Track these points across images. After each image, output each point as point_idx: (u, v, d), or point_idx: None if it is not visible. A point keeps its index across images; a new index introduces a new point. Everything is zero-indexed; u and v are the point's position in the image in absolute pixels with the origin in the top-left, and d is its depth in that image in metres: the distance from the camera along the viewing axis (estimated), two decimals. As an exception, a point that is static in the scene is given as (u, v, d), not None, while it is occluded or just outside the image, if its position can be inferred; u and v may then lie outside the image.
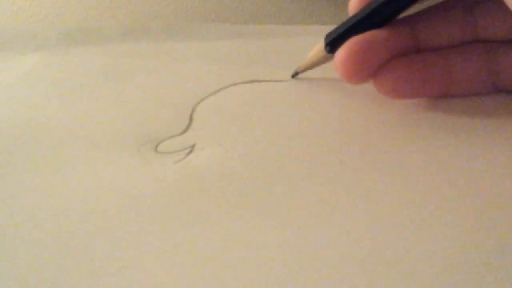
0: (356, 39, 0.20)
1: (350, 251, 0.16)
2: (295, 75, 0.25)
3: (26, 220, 0.18)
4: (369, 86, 0.22)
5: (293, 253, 0.16)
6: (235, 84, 0.25)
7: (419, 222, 0.17)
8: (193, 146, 0.21)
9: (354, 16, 0.22)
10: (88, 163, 0.21)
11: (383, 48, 0.20)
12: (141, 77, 0.27)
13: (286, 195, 0.18)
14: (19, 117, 0.24)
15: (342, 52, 0.20)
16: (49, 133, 0.23)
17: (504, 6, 0.18)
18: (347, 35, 0.21)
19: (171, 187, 0.19)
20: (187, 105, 0.24)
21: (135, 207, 0.18)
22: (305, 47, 0.25)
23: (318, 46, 0.23)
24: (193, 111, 0.24)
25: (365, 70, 0.20)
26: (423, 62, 0.20)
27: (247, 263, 0.16)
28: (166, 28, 0.33)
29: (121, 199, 0.19)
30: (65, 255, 0.16)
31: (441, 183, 0.18)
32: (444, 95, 0.22)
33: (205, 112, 0.24)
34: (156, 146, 0.21)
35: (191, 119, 0.23)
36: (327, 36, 0.23)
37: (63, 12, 0.39)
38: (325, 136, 0.21)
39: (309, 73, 0.25)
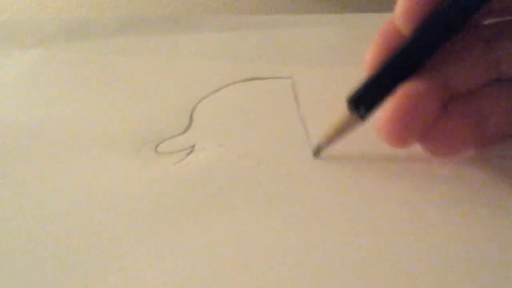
0: (399, 96, 0.17)
1: (350, 250, 0.16)
2: (317, 152, 0.20)
3: (25, 219, 0.18)
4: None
5: (293, 253, 0.16)
6: (236, 83, 0.25)
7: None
8: (193, 146, 0.21)
9: (377, 70, 0.18)
10: (87, 163, 0.21)
11: (429, 103, 0.18)
12: (142, 75, 0.27)
13: (287, 195, 0.18)
14: (20, 113, 0.24)
15: (386, 112, 0.18)
16: (49, 132, 0.23)
17: None
18: (375, 91, 0.18)
19: (171, 188, 0.19)
20: (187, 104, 0.24)
21: (135, 208, 0.18)
22: (308, 39, 0.25)
23: (341, 111, 0.19)
24: (193, 110, 0.23)
25: (414, 130, 0.18)
26: (474, 113, 0.18)
27: (247, 263, 0.16)
28: (166, 20, 0.32)
29: (120, 200, 0.19)
30: (64, 254, 0.16)
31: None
32: (481, 147, 0.19)
33: (205, 112, 0.23)
34: (156, 147, 0.21)
35: (191, 119, 0.23)
36: (350, 97, 0.19)
37: (64, 7, 0.39)
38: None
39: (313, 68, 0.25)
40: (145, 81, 0.26)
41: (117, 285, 0.15)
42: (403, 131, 0.18)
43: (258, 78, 0.25)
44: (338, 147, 0.20)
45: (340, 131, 0.19)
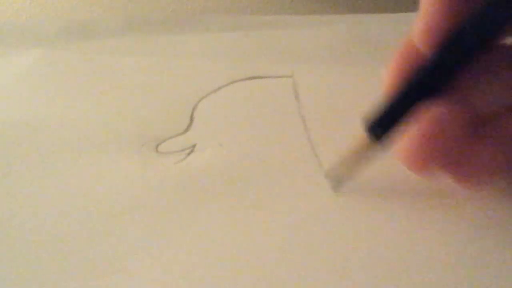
0: (422, 120, 0.16)
1: (350, 250, 0.16)
2: (336, 186, 0.19)
3: (25, 220, 0.18)
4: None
5: (293, 252, 0.16)
6: (236, 82, 0.25)
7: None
8: (193, 146, 0.21)
9: (396, 91, 0.17)
10: (88, 163, 0.21)
11: (453, 127, 0.16)
12: (142, 74, 0.27)
13: (287, 194, 0.18)
14: (19, 113, 0.24)
15: (409, 137, 0.16)
16: (49, 131, 0.23)
17: None
18: (393, 114, 0.17)
19: (172, 188, 0.19)
20: (188, 104, 0.24)
21: (135, 207, 0.18)
22: (308, 39, 0.25)
23: (358, 137, 0.18)
24: (193, 110, 0.23)
25: (439, 156, 0.17)
26: (507, 137, 0.17)
27: (247, 262, 0.16)
28: (167, 20, 0.32)
29: (121, 199, 0.19)
30: (64, 254, 0.16)
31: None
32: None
33: (205, 111, 0.23)
34: (157, 146, 0.21)
35: (191, 118, 0.23)
36: (367, 121, 0.17)
37: (63, 7, 0.39)
38: (327, 134, 0.21)
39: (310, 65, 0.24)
40: (145, 81, 0.26)
41: (117, 285, 0.15)
42: (427, 157, 0.16)
43: (258, 77, 0.25)
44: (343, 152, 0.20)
45: (358, 157, 0.18)
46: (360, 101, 0.22)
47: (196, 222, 0.17)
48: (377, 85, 0.21)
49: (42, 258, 0.16)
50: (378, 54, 0.25)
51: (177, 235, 0.17)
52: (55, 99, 0.25)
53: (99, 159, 0.21)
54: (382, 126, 0.17)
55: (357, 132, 0.18)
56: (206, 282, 0.15)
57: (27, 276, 0.16)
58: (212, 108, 0.24)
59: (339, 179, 0.18)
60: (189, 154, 0.21)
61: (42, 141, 0.22)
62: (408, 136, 0.16)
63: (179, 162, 0.20)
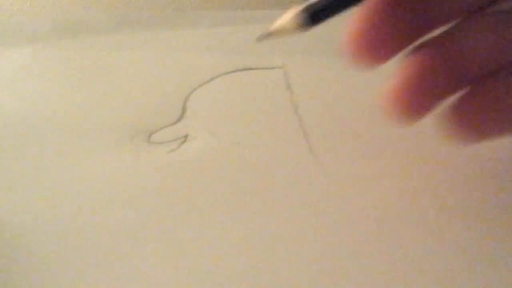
0: (409, 68, 0.16)
1: (344, 239, 0.16)
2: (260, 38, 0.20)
3: (20, 213, 0.18)
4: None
5: (286, 241, 0.16)
6: (228, 73, 0.25)
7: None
8: (186, 136, 0.21)
9: None
10: (81, 155, 0.21)
11: (441, 77, 0.16)
12: (134, 67, 0.27)
13: (280, 183, 0.18)
14: (13, 110, 0.24)
15: (395, 86, 0.16)
16: (42, 125, 0.23)
17: None
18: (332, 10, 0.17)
19: (165, 177, 0.19)
20: (180, 95, 0.24)
21: (129, 198, 0.18)
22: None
23: (289, 13, 0.18)
24: (185, 101, 0.24)
25: (425, 105, 0.16)
26: (496, 88, 0.16)
27: (240, 253, 0.16)
28: (158, 16, 0.32)
29: (114, 190, 0.19)
30: (57, 246, 0.17)
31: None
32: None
33: (197, 102, 0.24)
34: (149, 137, 0.22)
35: (183, 109, 0.23)
36: (308, 9, 0.18)
37: (56, 4, 0.39)
38: (320, 122, 0.21)
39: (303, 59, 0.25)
40: (137, 74, 0.26)
41: (111, 275, 0.15)
42: (413, 104, 0.16)
43: (249, 69, 0.25)
44: (336, 141, 0.20)
45: (284, 31, 0.19)
46: (351, 90, 0.23)
47: (189, 211, 0.18)
48: (367, 76, 0.21)
49: (35, 251, 0.17)
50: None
51: (170, 224, 0.17)
52: (48, 93, 0.25)
53: (92, 150, 0.21)
54: (318, 17, 0.18)
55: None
56: (199, 272, 0.15)
57: (24, 271, 0.16)
58: (204, 99, 0.24)
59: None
60: (181, 144, 0.21)
61: (35, 134, 0.22)
62: (393, 84, 0.16)
63: (172, 152, 0.21)
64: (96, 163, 0.20)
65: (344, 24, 0.17)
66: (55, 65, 0.28)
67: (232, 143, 0.21)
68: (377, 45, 0.16)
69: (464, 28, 0.17)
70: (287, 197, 0.18)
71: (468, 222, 0.17)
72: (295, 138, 0.21)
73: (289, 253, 0.16)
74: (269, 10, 0.33)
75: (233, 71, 0.25)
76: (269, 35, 0.20)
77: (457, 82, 0.17)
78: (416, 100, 0.16)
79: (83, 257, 0.16)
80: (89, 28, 0.32)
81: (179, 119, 0.22)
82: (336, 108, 0.22)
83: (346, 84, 0.23)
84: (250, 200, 0.18)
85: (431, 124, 0.20)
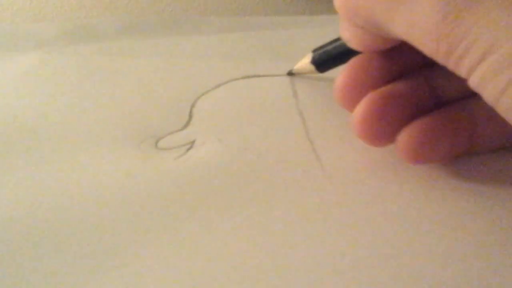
0: (373, 96, 0.18)
1: (349, 245, 0.16)
2: (290, 73, 0.26)
3: (24, 216, 0.18)
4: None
5: (293, 247, 0.16)
6: (234, 80, 0.25)
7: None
8: (193, 142, 0.22)
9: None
10: (88, 160, 0.21)
11: (404, 103, 0.18)
12: (141, 74, 0.27)
13: (286, 189, 0.19)
14: (20, 114, 0.24)
15: (359, 112, 0.18)
16: (50, 131, 0.23)
17: None
18: (337, 58, 0.22)
19: (172, 183, 0.19)
20: (187, 101, 0.24)
21: (135, 203, 0.18)
22: (305, 39, 0.25)
23: (306, 59, 0.24)
24: (192, 107, 0.24)
25: (387, 131, 0.18)
26: (448, 118, 0.18)
27: (246, 258, 0.16)
28: (164, 22, 0.33)
29: (121, 195, 0.19)
30: (64, 250, 0.17)
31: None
32: (467, 152, 0.19)
33: (204, 108, 0.24)
34: (156, 142, 0.22)
35: (190, 115, 0.23)
36: (315, 51, 0.24)
37: (63, 10, 0.39)
38: (326, 128, 0.21)
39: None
40: (145, 80, 0.26)
41: (116, 280, 0.15)
42: (376, 131, 0.18)
43: (256, 76, 0.26)
44: (341, 147, 0.20)
45: (303, 71, 0.25)
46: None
47: (196, 216, 0.18)
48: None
49: (41, 253, 0.17)
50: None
51: (176, 230, 0.17)
52: (55, 99, 0.26)
53: (100, 156, 0.21)
54: (324, 64, 0.24)
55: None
56: (205, 277, 0.15)
57: (26, 271, 0.16)
58: (210, 105, 0.24)
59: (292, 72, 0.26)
60: (188, 149, 0.21)
61: (42, 140, 0.22)
62: (359, 110, 0.18)
63: (179, 158, 0.21)
64: (104, 169, 0.20)
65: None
66: (61, 71, 0.28)
67: (238, 149, 0.21)
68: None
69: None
70: (293, 203, 0.18)
71: (469, 222, 0.17)
72: (301, 144, 0.21)
73: (296, 259, 0.16)
74: (276, 17, 0.34)
75: (239, 78, 0.25)
76: (294, 73, 0.26)
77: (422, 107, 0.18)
78: (380, 127, 0.18)
79: (87, 261, 0.16)
80: (96, 34, 0.32)
81: (186, 125, 0.23)
82: (341, 114, 0.22)
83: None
84: (256, 206, 0.18)
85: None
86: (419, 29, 0.14)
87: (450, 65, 0.14)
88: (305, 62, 0.24)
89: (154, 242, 0.17)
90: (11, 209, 0.19)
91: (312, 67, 0.24)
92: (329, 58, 0.23)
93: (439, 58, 0.14)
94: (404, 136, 0.18)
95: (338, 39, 0.22)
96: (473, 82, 0.14)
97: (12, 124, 0.24)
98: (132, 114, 0.24)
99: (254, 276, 0.15)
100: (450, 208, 0.17)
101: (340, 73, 0.19)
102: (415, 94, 0.18)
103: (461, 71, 0.14)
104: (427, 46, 0.14)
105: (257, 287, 0.15)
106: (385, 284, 0.15)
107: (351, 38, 0.18)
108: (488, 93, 0.13)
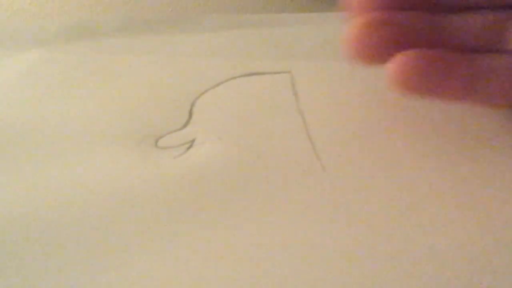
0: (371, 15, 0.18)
1: (351, 245, 0.16)
2: None
3: (25, 215, 0.18)
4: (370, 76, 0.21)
5: (293, 247, 0.16)
6: (235, 78, 0.25)
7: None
8: (193, 140, 0.21)
9: None
10: (87, 159, 0.21)
11: (401, 26, 0.18)
12: (140, 72, 0.27)
13: (286, 188, 0.18)
14: (19, 114, 0.24)
15: (354, 25, 0.18)
16: (49, 129, 0.23)
17: None
18: None
19: (171, 182, 0.19)
20: (187, 99, 0.24)
21: (135, 202, 0.18)
22: (305, 37, 0.25)
23: None
24: (192, 105, 0.24)
25: (379, 46, 0.18)
26: (446, 56, 0.18)
27: (247, 258, 0.16)
28: (164, 20, 0.33)
29: (121, 194, 0.19)
30: (64, 249, 0.17)
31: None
32: (463, 100, 0.19)
33: (204, 107, 0.24)
34: (156, 141, 0.22)
35: (190, 113, 0.23)
36: None
37: (63, 8, 0.39)
38: (326, 127, 0.21)
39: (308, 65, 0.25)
40: (144, 78, 0.26)
41: (115, 279, 0.15)
42: (368, 45, 0.18)
43: (256, 73, 0.25)
44: (342, 146, 0.20)
45: None
46: (357, 96, 0.23)
47: (196, 216, 0.18)
48: (374, 81, 0.21)
49: (41, 253, 0.17)
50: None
51: (176, 229, 0.17)
52: (55, 97, 0.26)
53: (98, 154, 0.21)
54: None
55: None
56: (206, 277, 0.15)
57: (26, 271, 0.16)
58: (210, 103, 0.24)
59: None
60: (188, 148, 0.21)
61: (42, 138, 0.22)
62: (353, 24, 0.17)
63: (179, 157, 0.21)
64: (103, 168, 0.20)
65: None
66: (61, 69, 0.28)
67: (238, 147, 0.21)
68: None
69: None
70: (294, 202, 0.18)
71: (469, 223, 0.17)
72: (301, 143, 0.21)
73: (296, 258, 0.16)
74: (276, 14, 0.34)
75: (239, 76, 0.25)
76: None
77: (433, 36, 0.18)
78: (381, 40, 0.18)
79: (86, 260, 0.16)
80: (96, 32, 0.32)
81: (186, 124, 0.23)
82: (342, 113, 0.22)
83: (352, 89, 0.23)
84: (256, 205, 0.18)
85: (435, 129, 0.20)
86: None
87: None
88: None
89: (154, 241, 0.17)
90: (10, 209, 0.19)
91: None
92: None
93: None
94: (399, 57, 0.17)
95: None
96: None
97: (12, 123, 0.24)
98: (131, 113, 0.24)
99: (254, 275, 0.15)
100: (450, 208, 0.17)
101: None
102: (417, 24, 0.18)
103: None
104: None
105: (257, 287, 0.15)
106: (385, 284, 0.15)
107: None
108: None
